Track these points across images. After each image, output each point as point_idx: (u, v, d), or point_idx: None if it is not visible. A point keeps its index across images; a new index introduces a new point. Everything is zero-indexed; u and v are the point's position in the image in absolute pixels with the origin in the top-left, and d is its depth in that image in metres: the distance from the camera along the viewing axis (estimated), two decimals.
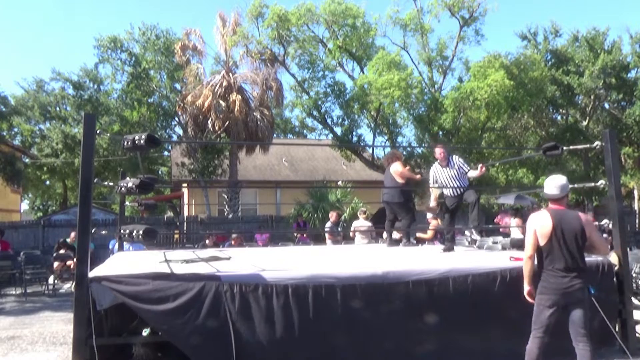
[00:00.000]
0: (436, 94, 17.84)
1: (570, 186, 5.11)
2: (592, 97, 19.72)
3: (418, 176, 7.71)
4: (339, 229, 11.29)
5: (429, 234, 8.65)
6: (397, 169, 6.88)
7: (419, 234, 8.47)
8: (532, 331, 3.77)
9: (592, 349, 3.60)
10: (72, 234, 12.17)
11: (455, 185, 6.41)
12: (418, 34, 18.02)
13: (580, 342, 3.63)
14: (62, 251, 11.43)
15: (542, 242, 3.72)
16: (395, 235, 7.55)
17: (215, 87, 18.01)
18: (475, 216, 6.30)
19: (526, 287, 3.87)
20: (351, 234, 10.54)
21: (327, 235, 10.92)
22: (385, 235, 7.78)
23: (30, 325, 7.32)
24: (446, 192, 6.57)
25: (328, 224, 11.16)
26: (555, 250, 3.67)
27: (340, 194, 15.72)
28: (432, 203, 6.45)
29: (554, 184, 3.84)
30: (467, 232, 6.83)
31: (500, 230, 9.99)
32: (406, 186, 6.99)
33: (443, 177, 6.48)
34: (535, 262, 3.82)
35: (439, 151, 6.66)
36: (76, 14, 60.48)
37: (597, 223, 5.14)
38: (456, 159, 6.56)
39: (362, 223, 10.03)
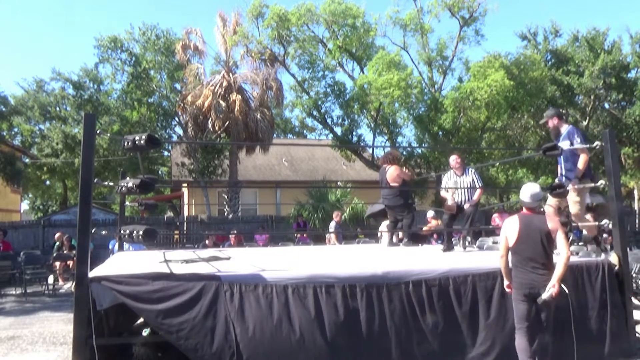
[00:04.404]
0: (436, 94, 17.84)
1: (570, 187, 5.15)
2: (592, 97, 19.71)
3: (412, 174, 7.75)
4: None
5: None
6: (392, 175, 6.91)
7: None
8: (516, 327, 4.13)
9: (550, 338, 4.00)
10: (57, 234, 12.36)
11: (464, 198, 6.50)
12: (418, 34, 18.04)
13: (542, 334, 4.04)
14: (64, 250, 11.44)
15: (511, 244, 4.19)
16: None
17: (216, 87, 18.01)
18: (469, 227, 6.53)
19: (505, 282, 4.31)
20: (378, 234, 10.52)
21: (331, 236, 10.89)
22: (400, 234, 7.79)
23: (30, 325, 7.33)
24: (454, 197, 6.61)
25: (332, 225, 11.15)
26: (522, 250, 4.12)
27: (340, 194, 15.73)
28: (450, 202, 6.50)
29: (527, 193, 4.27)
30: (460, 243, 6.93)
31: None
32: (403, 186, 7.02)
33: (457, 185, 6.55)
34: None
35: (454, 158, 6.61)
36: (76, 14, 60.58)
37: (597, 223, 5.14)
38: (472, 171, 6.62)
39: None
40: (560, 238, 4.04)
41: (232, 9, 24.33)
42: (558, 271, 3.92)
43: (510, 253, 4.23)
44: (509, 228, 4.24)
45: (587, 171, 5.28)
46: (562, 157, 5.31)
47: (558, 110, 5.80)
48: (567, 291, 3.92)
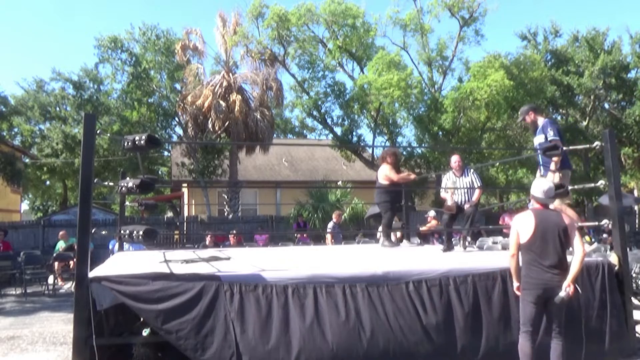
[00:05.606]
0: (436, 94, 17.86)
1: (570, 187, 5.16)
2: (592, 97, 19.74)
3: (413, 176, 7.69)
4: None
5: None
6: (384, 173, 6.91)
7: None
8: (520, 328, 3.97)
9: (564, 344, 3.83)
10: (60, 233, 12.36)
11: (463, 198, 6.48)
12: (418, 34, 18.06)
13: (555, 337, 3.88)
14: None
15: (524, 240, 3.92)
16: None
17: (215, 87, 18.01)
18: (469, 228, 6.51)
19: (515, 284, 4.12)
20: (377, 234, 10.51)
21: (328, 236, 10.89)
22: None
23: (30, 325, 7.33)
24: (454, 198, 6.61)
25: (330, 224, 11.14)
26: (537, 247, 3.86)
27: (340, 194, 15.73)
28: (450, 202, 6.50)
29: (540, 188, 4.03)
30: (460, 243, 6.92)
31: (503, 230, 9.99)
32: (394, 187, 6.99)
33: (456, 186, 6.54)
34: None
35: (455, 159, 6.58)
36: (76, 14, 60.64)
37: (596, 223, 5.14)
38: (471, 171, 6.62)
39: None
40: (577, 236, 3.88)
41: (232, 9, 24.36)
42: (574, 269, 3.76)
43: (521, 251, 3.98)
44: (522, 224, 3.96)
45: (564, 160, 5.30)
46: (539, 150, 5.34)
47: (533, 104, 5.81)
48: (580, 291, 3.81)
